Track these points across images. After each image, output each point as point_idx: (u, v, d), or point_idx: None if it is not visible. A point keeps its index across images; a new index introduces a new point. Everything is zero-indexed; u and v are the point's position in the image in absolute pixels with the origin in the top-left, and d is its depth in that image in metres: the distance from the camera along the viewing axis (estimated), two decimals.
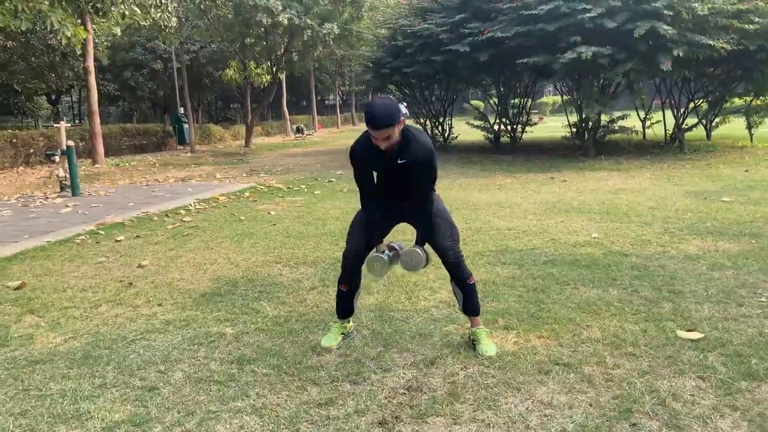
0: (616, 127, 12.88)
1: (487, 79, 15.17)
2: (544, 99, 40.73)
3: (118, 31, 14.34)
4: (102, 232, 6.24)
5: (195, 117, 26.79)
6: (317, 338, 3.13)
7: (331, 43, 17.97)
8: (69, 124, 13.88)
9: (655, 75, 11.86)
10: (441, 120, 16.07)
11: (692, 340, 2.92)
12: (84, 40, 11.67)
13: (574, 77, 12.51)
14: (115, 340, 3.22)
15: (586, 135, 12.57)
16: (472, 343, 2.97)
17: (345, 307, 3.12)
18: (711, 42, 9.74)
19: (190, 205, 7.85)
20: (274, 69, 19.93)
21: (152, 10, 11.71)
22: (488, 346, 2.90)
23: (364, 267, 2.95)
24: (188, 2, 17.53)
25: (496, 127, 15.19)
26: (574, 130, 13.13)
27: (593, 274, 4.05)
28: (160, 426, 2.34)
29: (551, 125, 21.02)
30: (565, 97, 14.35)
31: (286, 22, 16.24)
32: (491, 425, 2.26)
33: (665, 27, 9.54)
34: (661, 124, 13.82)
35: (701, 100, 13.55)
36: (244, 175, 11.84)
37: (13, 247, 5.58)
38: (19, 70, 22.15)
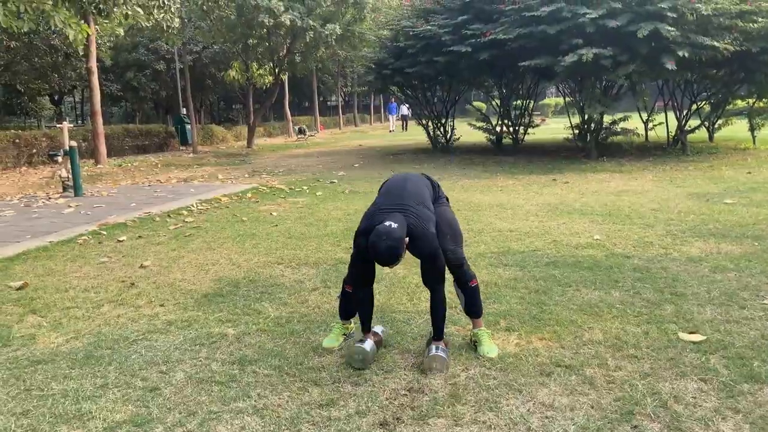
0: (618, 129, 12.87)
1: (489, 80, 15.16)
2: (546, 100, 40.69)
3: (121, 31, 14.39)
4: (104, 233, 6.25)
5: (197, 118, 26.82)
6: (319, 339, 3.13)
7: (334, 44, 17.98)
8: (72, 125, 13.87)
9: (657, 77, 11.84)
10: (443, 121, 16.07)
11: (694, 343, 2.91)
12: (87, 40, 11.70)
13: (576, 79, 12.50)
14: (117, 341, 3.23)
15: (589, 137, 12.55)
16: (473, 345, 2.97)
17: (348, 308, 3.12)
18: (715, 43, 9.73)
19: (192, 206, 7.86)
20: (276, 70, 19.95)
21: (155, 10, 11.75)
22: (490, 348, 2.91)
23: (346, 357, 2.89)
24: (191, 3, 17.57)
25: (498, 128, 15.18)
26: (577, 131, 13.12)
27: (595, 276, 4.05)
28: (162, 426, 2.34)
29: (553, 127, 21.01)
30: (567, 99, 14.35)
31: (288, 23, 16.26)
32: (492, 427, 2.26)
33: (668, 28, 9.52)
34: (663, 125, 13.80)
35: (704, 102, 13.53)
36: (246, 175, 11.84)
37: (15, 247, 5.60)
38: (22, 71, 22.20)
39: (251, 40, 18.61)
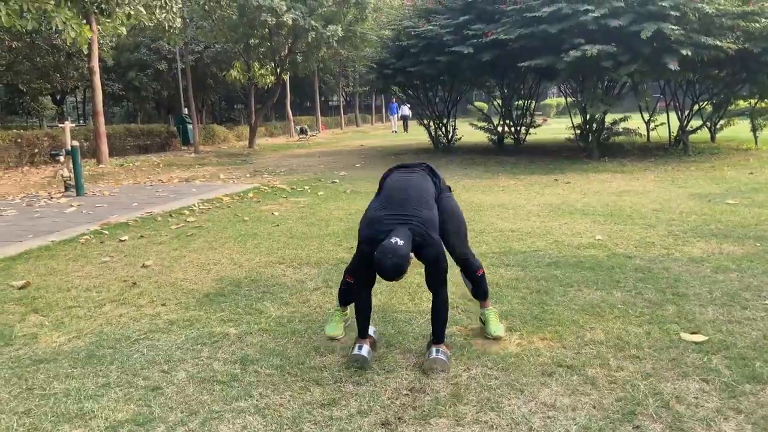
0: (620, 129, 12.86)
1: (490, 80, 15.15)
2: (548, 101, 40.68)
3: (123, 31, 14.38)
4: (106, 232, 6.25)
5: (199, 117, 26.87)
6: (320, 339, 3.13)
7: (335, 44, 17.98)
8: (74, 124, 13.91)
9: (660, 77, 11.82)
10: (444, 121, 16.06)
11: (696, 343, 2.91)
12: (89, 40, 11.71)
13: (578, 79, 12.49)
14: (118, 340, 3.23)
15: (590, 137, 12.54)
16: (481, 323, 3.13)
17: (347, 297, 3.16)
18: (718, 42, 9.71)
19: (194, 206, 7.87)
20: (278, 70, 19.96)
21: (157, 10, 11.76)
22: (496, 327, 3.05)
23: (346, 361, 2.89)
24: (193, 3, 17.59)
25: (499, 128, 15.18)
26: (578, 131, 13.11)
27: (597, 276, 4.04)
28: (164, 425, 2.34)
29: (555, 127, 21.01)
30: (569, 99, 14.34)
31: (290, 22, 16.26)
32: (494, 427, 2.26)
33: (672, 27, 9.51)
34: (665, 126, 13.79)
35: (706, 103, 13.51)
36: (248, 175, 11.85)
37: (17, 247, 5.61)
38: (24, 70, 22.23)
39: (253, 40, 18.62)
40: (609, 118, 12.69)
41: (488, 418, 2.31)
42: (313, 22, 16.78)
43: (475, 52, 11.54)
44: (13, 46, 20.43)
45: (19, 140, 15.03)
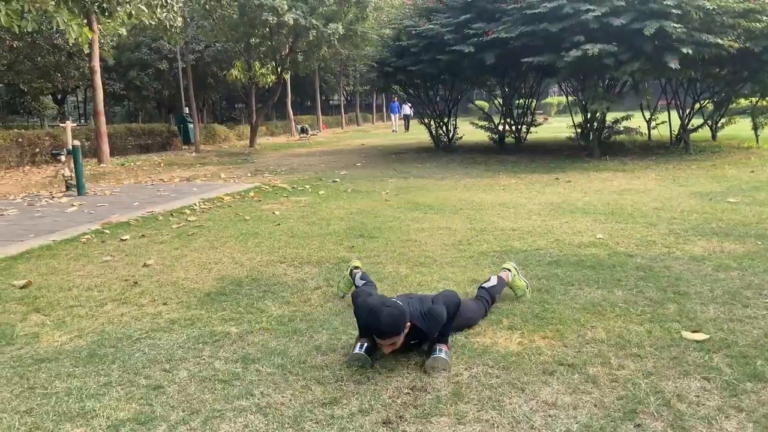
0: (621, 128, 12.85)
1: (491, 79, 15.14)
2: (549, 99, 40.67)
3: (124, 31, 14.40)
4: (107, 232, 6.26)
5: (200, 117, 26.88)
6: (322, 338, 3.13)
7: (336, 43, 17.98)
8: (75, 124, 13.91)
9: (661, 75, 11.81)
10: (445, 120, 16.06)
11: (697, 341, 2.91)
12: (90, 40, 11.71)
13: (579, 77, 12.48)
14: (120, 339, 3.23)
15: (591, 135, 12.53)
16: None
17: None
18: (719, 40, 9.70)
19: (195, 205, 7.87)
20: (278, 69, 19.96)
21: (158, 9, 11.75)
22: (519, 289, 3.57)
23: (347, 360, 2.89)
24: (194, 2, 17.58)
25: (500, 127, 15.17)
26: (579, 130, 13.10)
27: (598, 275, 4.04)
28: (165, 424, 2.35)
29: (556, 126, 20.99)
30: (570, 98, 14.32)
31: (291, 21, 16.26)
32: (495, 425, 2.26)
33: (674, 25, 9.49)
34: (666, 124, 13.78)
35: (707, 101, 13.49)
36: (249, 175, 11.86)
37: (18, 246, 5.61)
38: (25, 70, 22.24)
39: (254, 39, 18.62)
40: (610, 117, 12.68)
41: (489, 416, 2.31)
42: (314, 21, 16.77)
43: (476, 51, 11.53)
44: (14, 45, 20.44)
45: (20, 140, 15.05)
